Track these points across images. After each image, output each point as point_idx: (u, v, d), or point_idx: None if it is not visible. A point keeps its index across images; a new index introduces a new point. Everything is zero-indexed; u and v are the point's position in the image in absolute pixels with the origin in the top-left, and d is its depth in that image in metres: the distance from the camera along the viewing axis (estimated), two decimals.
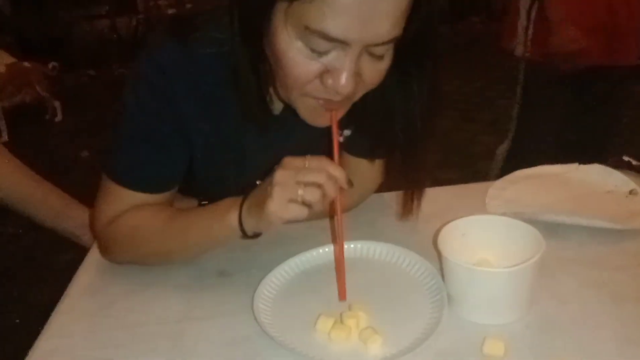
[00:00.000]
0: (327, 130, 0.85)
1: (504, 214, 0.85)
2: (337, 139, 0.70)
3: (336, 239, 0.81)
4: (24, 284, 2.22)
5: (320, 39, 0.60)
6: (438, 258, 0.76)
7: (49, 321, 0.78)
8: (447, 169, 2.73)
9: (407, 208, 0.82)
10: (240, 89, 0.72)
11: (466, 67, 4.17)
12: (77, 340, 0.75)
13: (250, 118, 0.76)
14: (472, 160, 2.99)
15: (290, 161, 0.67)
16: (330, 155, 0.70)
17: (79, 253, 0.93)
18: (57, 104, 4.39)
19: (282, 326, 0.72)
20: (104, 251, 0.86)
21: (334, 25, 0.59)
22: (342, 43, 0.61)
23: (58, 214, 1.00)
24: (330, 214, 0.94)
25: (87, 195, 1.00)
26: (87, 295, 0.83)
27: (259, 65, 0.70)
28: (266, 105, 0.75)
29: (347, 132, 0.87)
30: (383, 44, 0.62)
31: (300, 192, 0.64)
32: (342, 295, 0.74)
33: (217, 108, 0.78)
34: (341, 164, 0.91)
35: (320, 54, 0.62)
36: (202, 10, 0.76)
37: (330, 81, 0.64)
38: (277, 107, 0.79)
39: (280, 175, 0.65)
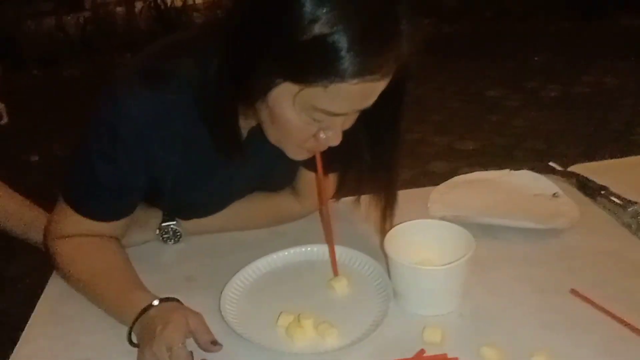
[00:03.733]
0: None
1: (443, 217, 0.95)
2: (321, 169, 0.79)
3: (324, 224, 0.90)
4: None
5: (324, 114, 0.69)
6: (384, 259, 0.85)
7: (27, 326, 0.83)
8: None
9: (384, 214, 0.88)
10: (214, 127, 0.77)
11: (417, 69, 4.27)
12: (56, 344, 0.79)
13: (222, 150, 0.80)
14: (424, 160, 3.04)
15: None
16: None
17: (34, 260, 0.92)
18: (1, 106, 4.22)
19: (247, 324, 0.79)
20: (51, 261, 0.89)
21: (340, 106, 0.68)
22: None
23: (28, 226, 1.02)
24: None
25: (42, 200, 1.04)
26: (62, 300, 0.87)
27: (238, 106, 0.75)
28: (239, 137, 0.80)
29: None
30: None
31: None
32: (335, 272, 0.87)
33: (187, 144, 0.82)
34: (298, 175, 0.99)
35: (320, 121, 0.71)
36: (172, 46, 0.79)
37: (323, 136, 0.73)
38: (244, 132, 0.83)
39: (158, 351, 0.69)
